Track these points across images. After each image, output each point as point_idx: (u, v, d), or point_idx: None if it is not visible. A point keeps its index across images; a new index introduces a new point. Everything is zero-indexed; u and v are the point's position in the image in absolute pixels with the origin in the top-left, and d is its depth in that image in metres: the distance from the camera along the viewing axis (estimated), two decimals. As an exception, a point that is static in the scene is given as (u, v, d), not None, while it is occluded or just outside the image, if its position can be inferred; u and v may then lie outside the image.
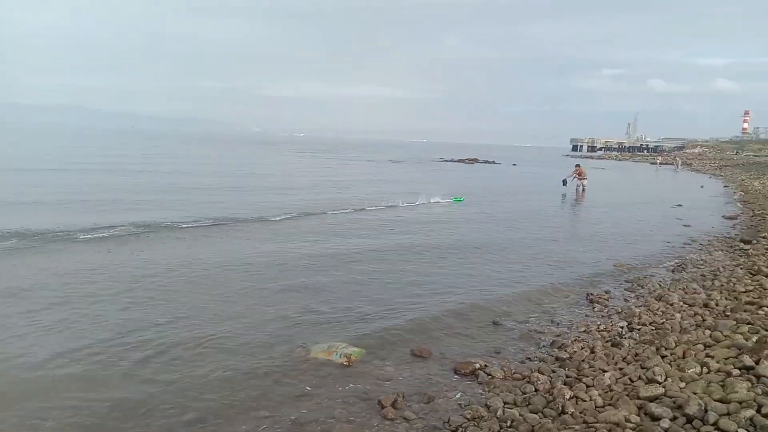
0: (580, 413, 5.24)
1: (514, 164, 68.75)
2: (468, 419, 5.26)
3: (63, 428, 5.04)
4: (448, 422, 5.26)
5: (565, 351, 7.00)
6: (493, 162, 69.28)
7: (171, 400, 5.57)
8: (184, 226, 14.77)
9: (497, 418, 5.24)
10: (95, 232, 13.19)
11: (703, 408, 4.85)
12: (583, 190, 29.54)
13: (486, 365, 6.59)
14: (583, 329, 7.96)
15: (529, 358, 6.97)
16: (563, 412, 5.28)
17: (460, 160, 69.28)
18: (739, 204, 26.32)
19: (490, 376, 6.30)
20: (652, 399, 5.29)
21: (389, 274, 10.78)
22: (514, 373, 6.41)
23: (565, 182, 29.73)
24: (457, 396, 5.88)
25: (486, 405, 5.55)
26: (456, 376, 6.40)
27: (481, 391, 6.03)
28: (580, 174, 29.94)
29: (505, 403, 5.57)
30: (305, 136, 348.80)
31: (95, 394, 5.65)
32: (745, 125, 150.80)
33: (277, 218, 16.94)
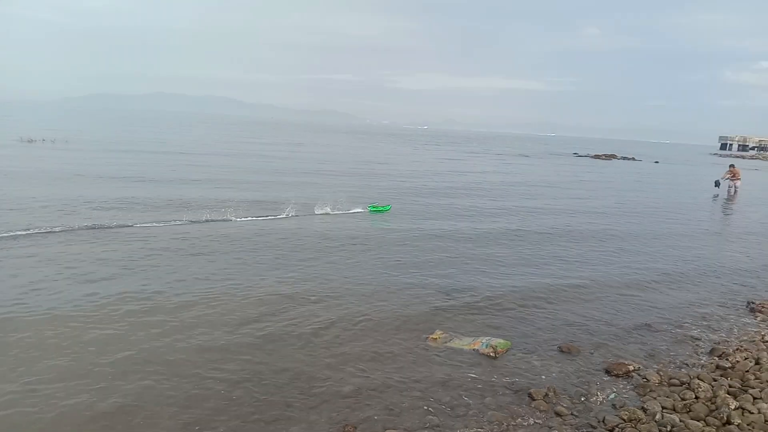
0: (748, 425, 4.99)
1: (656, 162, 64.68)
2: (624, 420, 5.18)
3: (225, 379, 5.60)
4: (603, 421, 5.21)
5: (727, 360, 6.64)
6: (633, 159, 65.53)
7: (328, 372, 6.00)
8: (327, 208, 15.58)
9: (656, 421, 5.12)
10: (252, 207, 14.40)
11: None
12: (735, 191, 27.43)
13: (640, 367, 6.41)
14: (745, 338, 7.49)
15: (686, 364, 6.69)
16: (728, 423, 5.06)
17: (596, 156, 66.25)
18: None
19: (645, 379, 6.14)
20: (831, 418, 4.92)
21: (527, 259, 11.00)
22: (671, 378, 6.19)
23: (717, 183, 27.68)
24: (611, 396, 5.79)
25: (642, 408, 5.42)
26: (608, 376, 6.29)
27: (635, 393, 5.89)
28: (734, 175, 27.80)
29: (663, 407, 5.41)
30: (429, 129, 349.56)
31: (264, 357, 6.20)
32: None
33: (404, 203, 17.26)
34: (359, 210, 16.09)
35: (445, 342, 7.03)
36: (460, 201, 18.92)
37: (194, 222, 13.01)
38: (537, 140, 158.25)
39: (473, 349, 6.83)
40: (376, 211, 16.31)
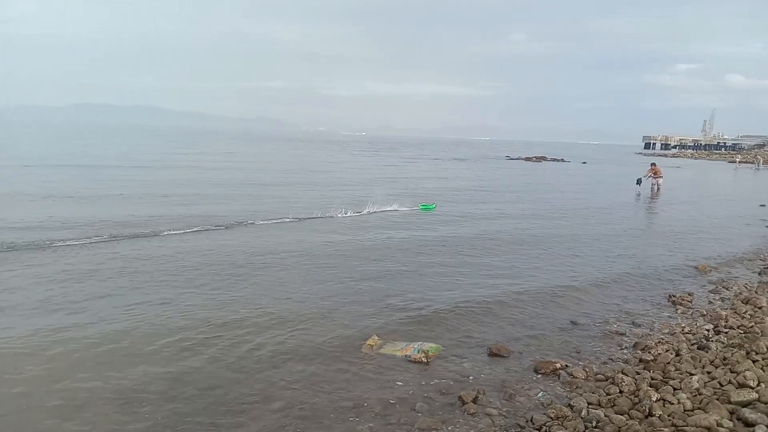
0: (669, 416, 5.12)
1: (584, 162, 67.08)
2: (551, 418, 5.23)
3: (152, 399, 5.34)
4: (531, 420, 5.24)
5: (649, 353, 6.85)
6: (562, 160, 67.72)
7: (257, 385, 5.81)
8: (260, 221, 15.23)
9: (582, 418, 5.19)
10: (176, 223, 13.91)
11: (802, 415, 4.66)
12: (659, 188, 28.70)
13: (567, 365, 6.53)
14: (666, 331, 7.76)
15: (611, 359, 6.86)
16: (650, 415, 5.17)
17: (527, 158, 68.09)
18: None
19: (571, 376, 6.25)
20: (745, 404, 5.11)
21: (459, 268, 10.85)
22: (596, 374, 6.33)
23: (639, 181, 28.93)
24: (539, 395, 5.86)
25: (569, 405, 5.50)
26: (536, 375, 6.37)
27: (562, 390, 5.98)
28: (655, 173, 29.07)
29: (589, 403, 5.51)
30: (367, 135, 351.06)
31: (173, 368, 5.95)
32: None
33: (344, 215, 17.16)
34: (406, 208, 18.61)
35: (378, 349, 6.96)
36: (399, 210, 18.85)
37: (118, 239, 12.28)
38: (471, 144, 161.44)
39: (405, 355, 6.79)
40: (427, 209, 19.09)
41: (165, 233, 13.07)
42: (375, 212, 17.87)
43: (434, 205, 19.78)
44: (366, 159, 57.27)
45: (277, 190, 23.81)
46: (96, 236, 12.28)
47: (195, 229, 13.75)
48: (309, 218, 16.18)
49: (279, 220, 15.57)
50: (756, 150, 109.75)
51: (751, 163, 73.03)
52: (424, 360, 6.66)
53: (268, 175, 32.14)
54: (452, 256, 12.03)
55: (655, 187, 28.82)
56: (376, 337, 7.16)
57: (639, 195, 27.58)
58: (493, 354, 6.94)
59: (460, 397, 5.70)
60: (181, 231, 13.39)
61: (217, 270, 10.08)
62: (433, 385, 6.10)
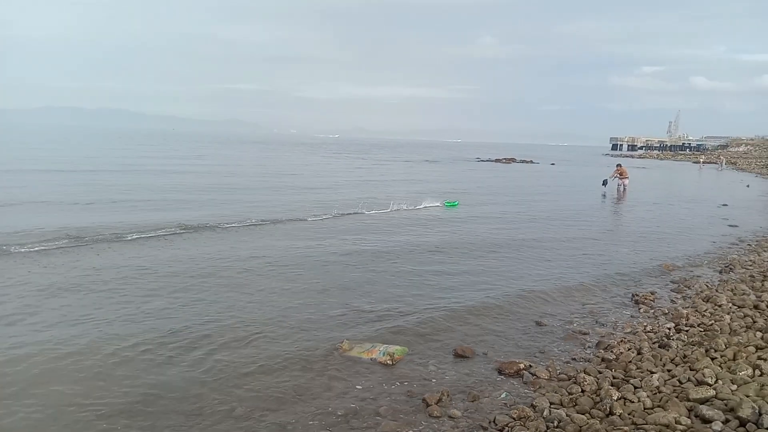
0: (629, 414, 5.18)
1: (552, 163, 67.92)
2: (514, 419, 5.25)
3: (104, 413, 5.20)
4: (494, 421, 5.25)
5: (612, 352, 6.93)
6: (531, 161, 68.51)
7: (218, 395, 5.70)
8: (226, 225, 15.03)
9: (544, 418, 5.22)
10: (142, 231, 13.51)
11: (756, 411, 4.74)
12: (624, 189, 29.15)
13: (531, 365, 6.56)
14: (629, 330, 7.86)
15: (575, 359, 6.92)
16: (611, 413, 5.23)
17: (497, 160, 68.75)
18: (788, 203, 25.52)
19: (534, 377, 6.28)
20: (703, 401, 5.19)
21: (428, 272, 10.81)
22: (559, 374, 6.37)
23: (605, 182, 29.36)
24: (502, 395, 5.88)
25: (532, 405, 5.53)
26: (500, 376, 6.39)
27: (526, 391, 6.01)
28: (621, 174, 29.52)
29: (551, 403, 5.54)
30: (340, 137, 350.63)
31: (140, 380, 5.81)
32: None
33: (315, 218, 17.08)
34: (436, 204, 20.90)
35: (345, 353, 6.91)
36: (367, 213, 18.79)
37: (78, 246, 11.89)
38: (443, 146, 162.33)
39: (371, 358, 6.76)
40: (450, 206, 21.24)
41: (129, 239, 12.82)
42: (400, 210, 19.55)
43: (457, 202, 21.98)
44: (342, 162, 57.14)
45: (248, 194, 23.55)
46: (54, 243, 11.91)
47: (160, 233, 13.51)
48: (290, 220, 16.09)
49: (252, 224, 15.42)
50: (719, 150, 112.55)
51: (715, 163, 74.82)
52: (390, 362, 6.64)
53: (238, 178, 31.81)
54: (419, 260, 12.00)
55: (621, 188, 29.27)
56: (345, 342, 7.11)
57: (605, 196, 27.98)
58: (458, 355, 6.95)
59: (424, 400, 5.69)
60: (147, 236, 13.15)
61: (181, 278, 9.85)
62: (397, 387, 6.08)
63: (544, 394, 5.78)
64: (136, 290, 8.97)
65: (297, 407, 5.54)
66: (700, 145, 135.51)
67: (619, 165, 30.91)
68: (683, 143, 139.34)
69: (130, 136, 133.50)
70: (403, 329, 7.70)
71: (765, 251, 13.60)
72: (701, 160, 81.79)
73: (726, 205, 24.46)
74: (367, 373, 6.39)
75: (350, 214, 18.25)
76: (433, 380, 6.27)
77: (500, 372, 6.47)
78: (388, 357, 6.72)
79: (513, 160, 69.07)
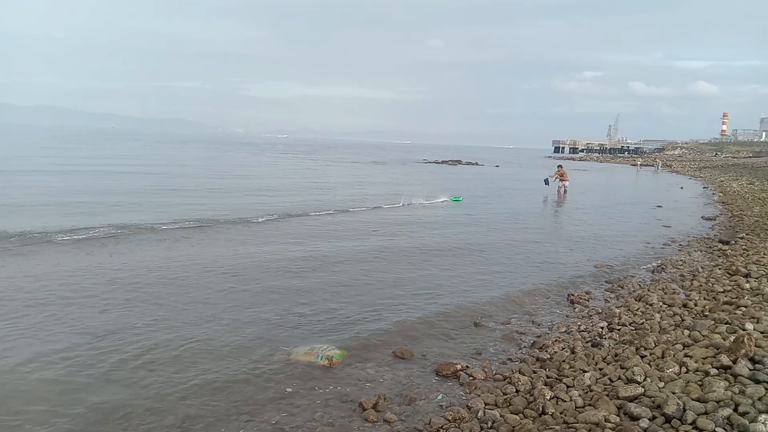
0: (561, 413, 5.26)
1: (497, 166, 69.10)
2: (449, 420, 5.25)
3: (38, 434, 4.96)
4: (429, 423, 5.24)
5: (546, 352, 7.04)
6: (476, 163, 69.58)
7: (150, 405, 5.49)
8: (164, 227, 14.62)
9: (478, 419, 5.25)
10: (73, 234, 13.00)
11: (681, 407, 4.88)
12: (565, 191, 29.80)
13: (467, 366, 6.60)
14: (563, 330, 8.01)
15: (510, 359, 6.99)
16: (544, 413, 5.29)
17: (443, 162, 69.50)
18: (717, 205, 26.65)
19: (471, 377, 6.31)
20: (632, 399, 5.31)
21: (370, 276, 10.76)
22: (495, 374, 6.43)
23: (546, 182, 30.07)
24: (438, 397, 5.88)
25: (467, 406, 5.55)
26: (437, 378, 6.40)
27: (462, 392, 6.03)
28: (562, 175, 30.18)
29: (486, 404, 5.58)
30: (289, 137, 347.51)
31: (72, 398, 5.55)
32: (724, 127, 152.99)
33: (259, 220, 16.83)
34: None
35: (282, 356, 6.79)
36: (313, 218, 18.63)
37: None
38: (392, 147, 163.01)
39: (309, 361, 6.66)
40: (456, 200, 24.91)
41: (58, 241, 12.30)
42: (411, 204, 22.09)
43: (461, 198, 25.51)
44: (290, 163, 56.56)
45: (184, 197, 22.96)
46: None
47: (92, 235, 13.02)
48: (233, 223, 15.77)
49: (190, 227, 15.04)
50: (656, 154, 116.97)
51: (652, 165, 77.72)
52: (328, 365, 6.56)
53: (177, 179, 30.91)
54: (361, 265, 11.86)
55: (562, 190, 29.92)
56: (284, 346, 6.99)
57: (546, 197, 28.61)
58: (397, 357, 6.94)
59: (360, 404, 5.63)
60: (77, 238, 12.65)
61: (110, 286, 9.48)
62: (334, 391, 6.01)
63: (479, 395, 5.81)
64: (56, 298, 8.56)
65: (230, 414, 5.41)
66: (638, 148, 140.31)
67: (559, 166, 31.63)
68: (622, 146, 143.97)
69: (66, 134, 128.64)
70: (343, 333, 7.65)
71: (695, 251, 14.14)
72: (639, 162, 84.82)
73: (661, 206, 25.36)
74: (305, 377, 6.29)
75: (296, 216, 18.06)
76: (371, 383, 6.23)
77: (437, 373, 6.48)
78: (327, 360, 6.65)
79: (459, 162, 70.01)
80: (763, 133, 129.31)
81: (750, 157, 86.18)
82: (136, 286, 9.29)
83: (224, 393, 5.83)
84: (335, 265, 11.46)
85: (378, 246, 13.79)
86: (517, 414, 5.32)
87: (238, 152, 76.86)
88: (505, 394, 5.82)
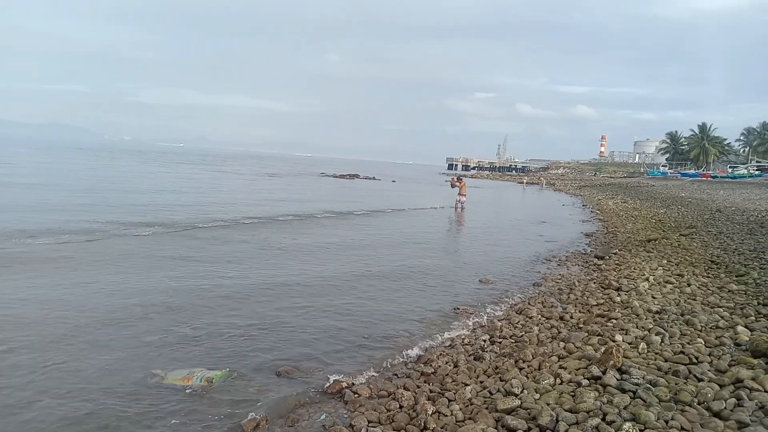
0: (441, 428, 5.32)
1: (393, 181, 70.10)
2: (331, 440, 5.16)
3: None
4: (310, 445, 5.13)
5: (431, 365, 7.12)
6: (373, 178, 70.19)
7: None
8: (28, 241, 13.56)
9: (360, 438, 5.19)
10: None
11: (554, 418, 5.06)
12: (462, 208, 30.47)
13: (353, 384, 6.53)
14: (448, 344, 8.15)
15: (396, 375, 7.01)
16: (425, 428, 5.33)
17: (341, 176, 69.60)
18: (595, 222, 28.40)
19: (356, 395, 6.25)
20: (509, 411, 5.45)
21: (256, 295, 10.44)
22: (380, 391, 6.40)
23: (453, 185, 32.08)
24: (321, 417, 5.77)
25: (350, 425, 5.48)
26: (322, 396, 6.29)
27: (346, 410, 5.96)
28: (460, 189, 30.91)
29: (369, 421, 5.54)
30: (185, 146, 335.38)
31: None
32: (602, 149, 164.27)
33: (136, 234, 15.99)
34: None
35: (158, 380, 6.41)
36: (205, 231, 17.96)
37: None
38: (291, 160, 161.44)
39: (187, 385, 6.34)
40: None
41: None
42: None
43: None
44: (182, 172, 54.39)
45: (59, 211, 21.47)
46: None
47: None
48: (116, 236, 14.82)
49: (66, 242, 14.02)
50: (540, 172, 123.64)
51: (536, 184, 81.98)
52: (209, 387, 6.27)
53: (50, 191, 28.73)
54: (249, 289, 11.61)
55: (459, 207, 30.62)
56: (159, 370, 6.62)
57: (440, 208, 29.62)
58: (281, 377, 6.76)
59: (240, 427, 5.42)
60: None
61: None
62: (214, 415, 5.74)
63: (363, 413, 5.76)
64: None
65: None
66: (524, 167, 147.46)
67: (460, 178, 32.62)
68: (510, 165, 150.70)
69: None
70: (226, 353, 7.36)
71: (573, 265, 14.96)
72: (525, 181, 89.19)
73: (545, 222, 26.70)
74: (183, 401, 5.98)
75: (179, 231, 17.35)
76: (255, 404, 6.01)
77: (323, 392, 6.37)
78: (207, 382, 6.36)
79: (357, 176, 70.36)
80: (637, 155, 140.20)
81: (625, 177, 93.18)
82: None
83: (93, 421, 5.42)
84: (214, 286, 11.05)
85: (263, 266, 13.51)
86: (399, 431, 5.32)
87: (126, 160, 73.10)
88: (388, 410, 5.81)
